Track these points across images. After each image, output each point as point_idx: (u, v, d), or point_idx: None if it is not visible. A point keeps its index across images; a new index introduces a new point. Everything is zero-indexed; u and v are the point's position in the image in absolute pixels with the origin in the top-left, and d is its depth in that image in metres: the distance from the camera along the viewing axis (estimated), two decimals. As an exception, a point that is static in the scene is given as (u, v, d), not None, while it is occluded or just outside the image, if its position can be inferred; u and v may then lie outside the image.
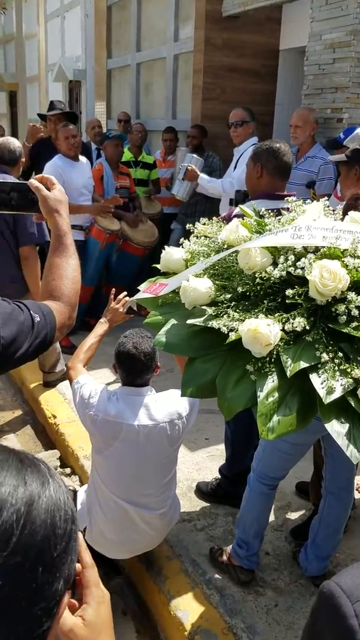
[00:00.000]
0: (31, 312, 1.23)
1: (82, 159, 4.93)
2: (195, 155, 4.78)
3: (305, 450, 2.32)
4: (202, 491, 3.03)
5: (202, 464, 3.31)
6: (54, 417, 3.83)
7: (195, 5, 6.02)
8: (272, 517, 2.85)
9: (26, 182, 1.43)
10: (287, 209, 1.75)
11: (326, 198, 1.80)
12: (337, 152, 3.96)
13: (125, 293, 2.61)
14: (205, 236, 1.79)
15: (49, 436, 3.87)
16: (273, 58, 6.29)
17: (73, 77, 10.71)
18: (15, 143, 3.78)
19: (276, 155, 2.55)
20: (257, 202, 2.31)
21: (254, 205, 1.95)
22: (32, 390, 4.27)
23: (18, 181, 1.45)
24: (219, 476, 3.03)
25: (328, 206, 1.72)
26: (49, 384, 4.23)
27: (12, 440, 3.85)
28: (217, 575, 2.48)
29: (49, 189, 1.42)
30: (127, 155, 6.00)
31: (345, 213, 1.72)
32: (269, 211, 1.73)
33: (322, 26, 4.47)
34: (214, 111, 5.94)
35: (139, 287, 1.84)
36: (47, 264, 1.41)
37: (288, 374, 1.21)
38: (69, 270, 1.40)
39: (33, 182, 1.41)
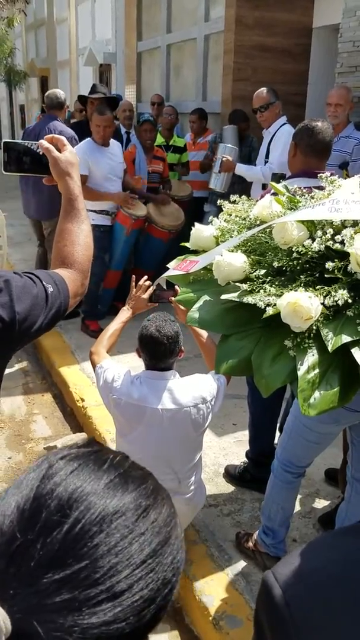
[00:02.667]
0: (44, 283, 1.18)
1: (114, 142, 4.82)
2: (229, 145, 4.66)
3: (331, 439, 2.25)
4: (230, 474, 3.00)
5: (229, 449, 3.28)
6: (82, 400, 3.83)
7: (227, -17, 5.90)
8: (300, 504, 2.80)
9: (36, 142, 1.36)
10: (322, 188, 1.68)
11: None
12: None
13: (145, 278, 2.57)
14: (236, 214, 1.73)
15: (77, 419, 3.87)
16: (306, 36, 6.13)
17: (103, 61, 10.65)
18: (60, 92, 5.03)
19: (310, 133, 2.47)
20: (293, 181, 2.23)
21: (287, 184, 1.88)
22: (61, 373, 4.28)
23: (29, 142, 1.39)
24: (247, 460, 2.99)
25: None
26: None
27: (40, 423, 3.88)
28: (243, 561, 2.45)
29: (59, 150, 1.36)
30: (159, 139, 5.92)
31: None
32: (302, 189, 1.66)
33: (356, 1, 4.33)
34: (245, 92, 5.81)
35: (168, 265, 1.80)
36: (59, 229, 1.35)
37: (330, 348, 1.16)
38: (81, 237, 1.34)
39: (43, 143, 1.34)
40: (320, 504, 2.85)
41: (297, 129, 2.55)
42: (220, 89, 6.27)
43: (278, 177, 3.76)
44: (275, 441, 2.87)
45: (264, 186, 4.09)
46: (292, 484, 2.34)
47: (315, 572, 0.74)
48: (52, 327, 1.25)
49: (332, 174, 1.76)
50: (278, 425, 2.98)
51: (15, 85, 17.82)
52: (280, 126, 4.30)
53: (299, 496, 2.81)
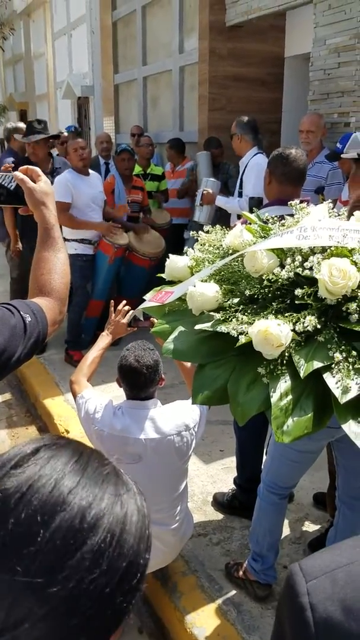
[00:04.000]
0: (21, 313, 1.19)
1: (93, 173, 4.90)
2: (211, 179, 4.75)
3: (314, 458, 2.24)
4: (218, 502, 2.97)
5: (217, 476, 3.25)
6: (67, 432, 3.79)
7: (199, 16, 6.05)
8: (289, 530, 2.78)
9: (11, 173, 1.39)
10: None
11: (330, 200, 1.76)
12: (339, 163, 3.90)
13: (124, 302, 2.58)
14: (210, 244, 1.75)
15: (62, 451, 3.83)
16: (278, 66, 6.28)
17: (81, 94, 10.80)
18: (7, 124, 6.16)
19: (284, 161, 2.50)
20: (267, 210, 2.26)
21: (260, 212, 1.91)
22: (45, 405, 4.24)
23: (3, 174, 1.41)
24: (235, 487, 2.97)
25: (333, 208, 1.68)
26: None
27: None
28: (233, 591, 2.41)
29: (34, 181, 1.37)
30: (136, 168, 6.00)
31: (351, 214, 1.67)
32: (274, 217, 1.69)
33: (326, 31, 4.45)
34: (220, 121, 5.93)
35: (144, 297, 1.81)
36: (36, 258, 1.37)
37: (301, 374, 1.17)
38: (57, 265, 1.36)
39: (18, 174, 1.36)
40: (310, 528, 2.83)
41: (271, 157, 2.58)
42: (197, 119, 6.39)
43: (256, 201, 3.83)
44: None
45: (239, 215, 4.14)
46: (277, 505, 2.33)
47: (341, 569, 0.74)
48: (32, 356, 1.25)
49: (303, 200, 1.79)
50: (265, 449, 2.97)
51: (-6, 119, 17.99)
52: (253, 156, 4.34)
53: (288, 521, 2.79)
